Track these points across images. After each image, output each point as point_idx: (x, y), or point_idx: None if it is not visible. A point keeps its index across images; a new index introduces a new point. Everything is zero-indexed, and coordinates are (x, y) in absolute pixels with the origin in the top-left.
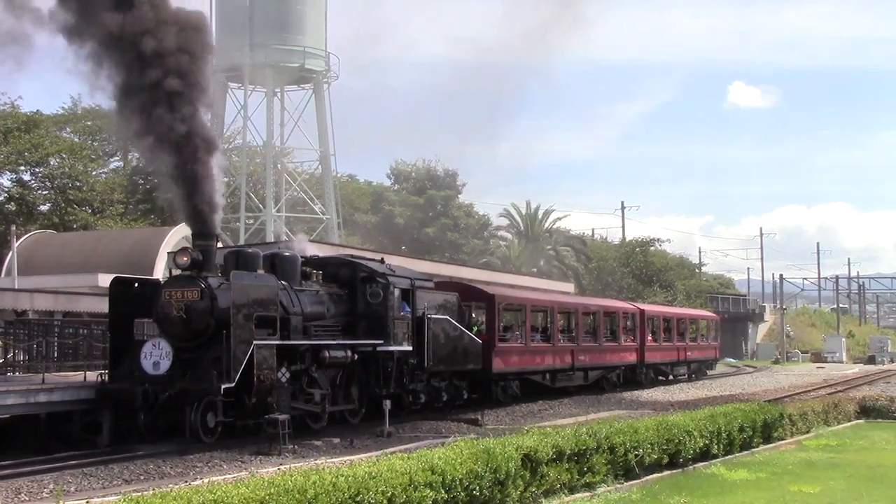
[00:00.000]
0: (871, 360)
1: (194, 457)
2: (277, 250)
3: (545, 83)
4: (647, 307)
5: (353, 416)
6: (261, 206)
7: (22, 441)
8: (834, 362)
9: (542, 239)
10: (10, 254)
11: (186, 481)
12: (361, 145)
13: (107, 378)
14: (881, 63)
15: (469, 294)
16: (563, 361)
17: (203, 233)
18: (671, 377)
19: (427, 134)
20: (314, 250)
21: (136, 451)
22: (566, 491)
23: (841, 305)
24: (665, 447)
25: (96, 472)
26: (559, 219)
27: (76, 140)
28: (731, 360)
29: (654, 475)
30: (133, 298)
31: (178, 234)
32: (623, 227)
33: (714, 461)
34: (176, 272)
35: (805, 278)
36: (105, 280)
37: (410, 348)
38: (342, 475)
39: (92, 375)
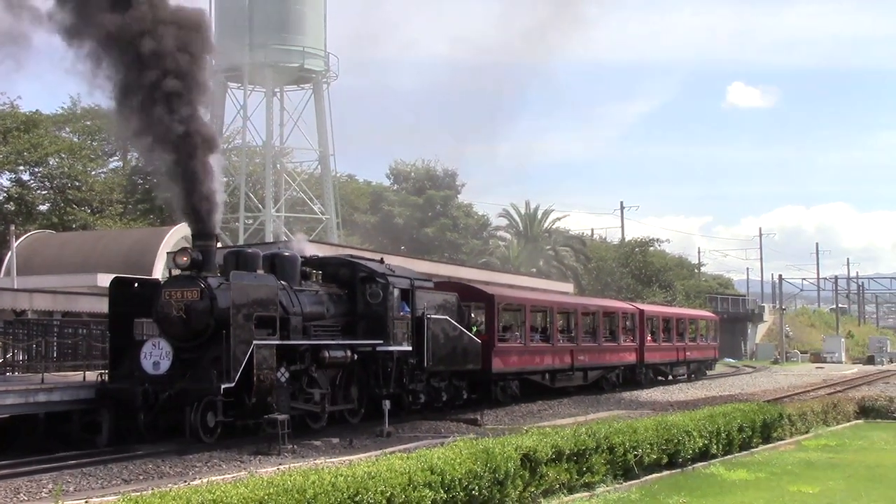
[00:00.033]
0: (870, 360)
1: (193, 457)
2: (277, 250)
3: (545, 83)
4: (646, 307)
5: (353, 416)
6: (260, 206)
7: (21, 441)
8: (833, 362)
9: (541, 239)
10: (10, 254)
11: (185, 481)
12: (361, 145)
13: (107, 378)
14: (881, 63)
15: (468, 294)
16: (562, 361)
17: (203, 233)
18: (670, 377)
19: (427, 134)
20: (313, 250)
21: (135, 450)
22: (565, 491)
23: (840, 306)
24: (664, 447)
25: (95, 471)
26: (558, 219)
27: (75, 140)
28: (731, 360)
29: (654, 475)
30: (133, 298)
31: (178, 234)
32: (622, 227)
33: (713, 461)
34: (175, 272)
35: (804, 278)
36: (104, 280)
37: (410, 348)
38: (341, 475)
39: (91, 375)
